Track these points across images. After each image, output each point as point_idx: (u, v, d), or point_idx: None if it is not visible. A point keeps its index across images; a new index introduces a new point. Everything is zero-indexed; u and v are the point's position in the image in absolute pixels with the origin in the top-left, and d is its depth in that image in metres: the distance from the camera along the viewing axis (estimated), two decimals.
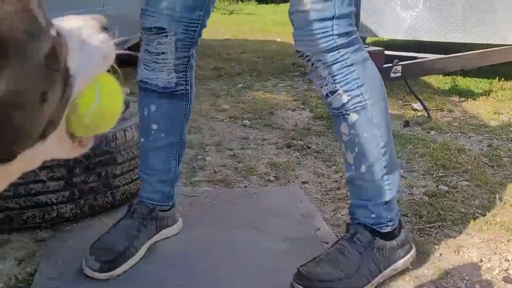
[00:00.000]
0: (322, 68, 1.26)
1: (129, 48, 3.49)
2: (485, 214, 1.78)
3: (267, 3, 13.46)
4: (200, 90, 3.60)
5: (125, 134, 1.64)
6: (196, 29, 1.38)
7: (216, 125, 2.76)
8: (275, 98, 3.43)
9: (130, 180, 1.67)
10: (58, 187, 1.52)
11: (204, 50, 5.43)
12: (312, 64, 1.27)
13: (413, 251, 1.42)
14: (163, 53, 1.37)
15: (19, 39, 0.39)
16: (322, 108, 3.02)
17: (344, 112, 1.29)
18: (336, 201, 1.85)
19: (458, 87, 3.81)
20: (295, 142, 2.50)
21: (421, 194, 1.94)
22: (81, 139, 0.52)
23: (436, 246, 1.56)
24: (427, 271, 1.43)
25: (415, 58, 3.25)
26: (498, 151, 2.44)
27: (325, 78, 1.27)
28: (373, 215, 1.36)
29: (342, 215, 1.74)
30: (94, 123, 0.50)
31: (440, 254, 1.52)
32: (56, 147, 0.48)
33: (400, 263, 1.39)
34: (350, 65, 1.26)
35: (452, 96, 3.54)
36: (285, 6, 1.32)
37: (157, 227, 1.48)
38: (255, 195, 1.86)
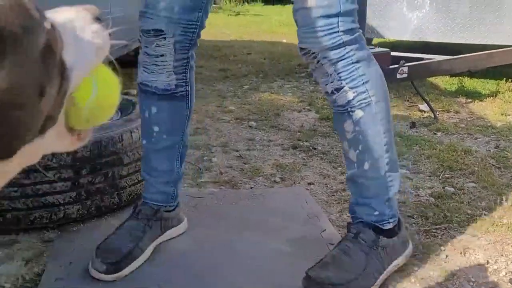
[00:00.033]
0: (328, 65, 1.26)
1: (136, 50, 3.50)
2: (492, 216, 1.77)
3: (273, 4, 13.47)
4: (206, 91, 3.61)
5: (132, 136, 1.64)
6: (195, 30, 1.39)
7: (222, 126, 2.77)
8: (281, 99, 3.43)
9: (136, 181, 1.68)
10: (65, 188, 1.53)
11: (210, 52, 5.44)
12: (318, 61, 1.27)
13: (410, 246, 1.44)
14: (162, 55, 1.37)
15: (14, 33, 0.39)
16: (328, 109, 3.02)
17: (349, 109, 1.29)
18: (342, 203, 1.85)
19: (465, 88, 3.80)
20: (301, 143, 2.50)
21: (427, 195, 1.94)
22: (80, 132, 0.52)
23: (442, 248, 1.56)
24: (433, 273, 1.43)
25: (422, 59, 3.25)
26: (505, 152, 2.42)
27: (330, 75, 1.27)
28: (376, 213, 1.36)
29: (348, 216, 1.73)
30: (93, 115, 0.50)
31: (446, 256, 1.52)
32: (55, 141, 0.48)
33: (401, 259, 1.40)
34: (355, 62, 1.26)
35: (458, 97, 3.53)
36: (291, 7, 1.32)
37: (162, 228, 1.48)
38: (261, 196, 1.87)
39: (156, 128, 1.44)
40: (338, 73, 1.26)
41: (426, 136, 2.67)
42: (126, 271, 1.34)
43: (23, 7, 0.40)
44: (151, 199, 1.49)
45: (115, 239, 1.39)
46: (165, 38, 1.35)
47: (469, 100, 3.46)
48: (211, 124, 2.79)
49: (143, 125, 1.47)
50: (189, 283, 1.33)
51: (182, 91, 1.43)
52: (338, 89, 1.28)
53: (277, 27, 8.17)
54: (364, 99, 1.28)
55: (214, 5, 13.27)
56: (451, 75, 3.99)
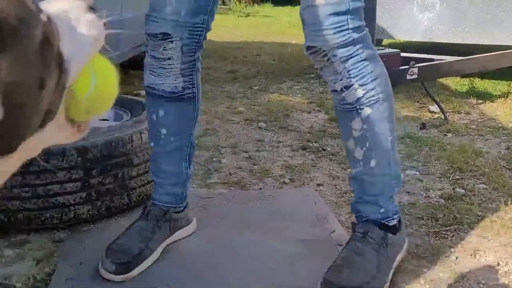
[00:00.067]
0: (338, 63, 1.27)
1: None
2: (503, 218, 1.76)
3: (283, 5, 13.47)
4: (215, 93, 3.62)
5: (141, 137, 1.65)
6: (202, 32, 1.39)
7: (231, 127, 2.77)
8: (291, 100, 3.43)
9: (146, 181, 1.69)
10: (76, 188, 1.55)
11: (220, 53, 5.45)
12: (328, 59, 1.27)
13: (407, 240, 1.47)
14: (169, 58, 1.38)
15: (12, 26, 0.38)
16: None
17: (358, 106, 1.30)
18: None
19: (476, 89, 3.77)
20: (311, 144, 2.50)
21: (437, 197, 1.93)
22: (80, 123, 0.52)
23: (452, 250, 1.55)
24: (443, 275, 1.42)
25: (432, 60, 3.23)
26: None
27: (340, 73, 1.28)
28: (382, 210, 1.37)
29: None
30: (92, 106, 0.50)
31: (456, 258, 1.51)
32: (55, 134, 0.48)
33: (401, 254, 1.42)
34: (364, 60, 1.27)
35: (469, 98, 3.50)
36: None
37: (171, 229, 1.49)
38: (270, 197, 1.87)
39: (163, 131, 1.45)
40: (348, 71, 1.27)
41: (436, 137, 2.66)
42: (135, 271, 1.35)
43: (20, 0, 0.40)
44: (160, 200, 1.49)
45: (125, 240, 1.40)
46: (172, 41, 1.36)
47: (480, 101, 3.43)
48: (221, 125, 2.79)
49: (151, 127, 1.48)
50: (198, 283, 1.34)
51: (189, 93, 1.44)
52: (347, 87, 1.29)
53: (286, 28, 8.16)
54: (373, 96, 1.29)
55: (224, 6, 13.33)
56: (462, 76, 3.97)
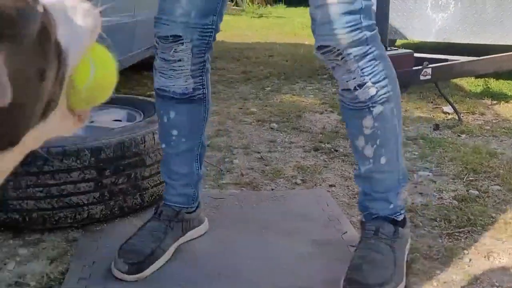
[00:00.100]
0: (352, 62, 1.27)
1: None
2: None
3: (296, 6, 13.45)
4: (228, 93, 3.63)
5: (154, 137, 1.66)
6: (211, 34, 1.40)
7: (244, 128, 2.78)
8: (303, 101, 3.43)
9: (158, 182, 1.70)
10: (89, 188, 1.56)
11: (232, 54, 5.46)
12: (342, 58, 1.27)
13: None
14: (179, 60, 1.38)
15: (10, 17, 0.38)
16: None
17: (370, 104, 1.31)
18: None
19: (491, 90, 3.73)
20: (323, 145, 2.50)
21: (451, 198, 1.91)
22: (80, 113, 0.51)
23: (466, 251, 1.54)
24: (456, 277, 1.41)
25: (446, 60, 3.21)
26: None
27: (353, 71, 1.28)
28: (391, 206, 1.39)
29: None
30: (92, 96, 0.50)
31: (470, 260, 1.50)
32: (57, 125, 0.47)
33: (409, 246, 1.45)
34: (376, 58, 1.29)
35: (484, 99, 3.47)
36: None
37: (183, 229, 1.50)
38: (281, 198, 1.87)
39: (175, 132, 1.46)
40: (361, 69, 1.28)
41: (450, 138, 2.63)
42: (148, 271, 1.36)
43: None
44: (172, 201, 1.50)
45: (137, 240, 1.41)
46: (183, 43, 1.36)
47: (495, 102, 3.40)
48: (233, 126, 2.80)
49: (162, 129, 1.49)
50: (210, 284, 1.34)
51: (200, 94, 1.45)
52: (361, 85, 1.29)
53: (299, 29, 8.15)
54: (385, 94, 1.31)
55: (237, 7, 13.34)
56: (477, 77, 3.93)
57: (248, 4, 13.27)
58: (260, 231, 1.61)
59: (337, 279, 1.37)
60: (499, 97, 3.51)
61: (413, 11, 4.28)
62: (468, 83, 3.94)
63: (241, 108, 3.20)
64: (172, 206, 1.49)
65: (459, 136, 2.69)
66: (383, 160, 1.35)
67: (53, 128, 0.47)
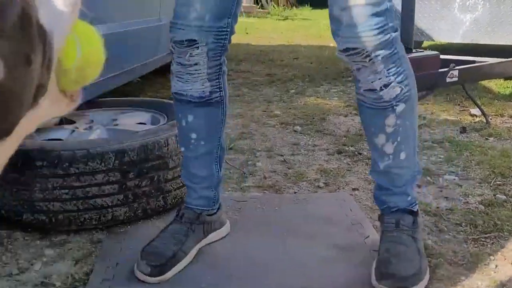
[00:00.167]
0: (379, 63, 1.28)
1: None
2: None
3: (321, 8, 13.40)
4: (253, 96, 3.64)
5: (177, 140, 1.68)
6: (226, 36, 1.40)
7: (267, 130, 2.78)
8: (327, 104, 3.42)
9: (181, 184, 1.71)
10: (113, 190, 1.58)
11: (257, 57, 5.48)
12: (370, 60, 1.28)
13: None
14: (196, 64, 1.39)
15: None
16: None
17: (394, 103, 1.33)
18: None
19: None
20: (346, 148, 2.48)
21: (477, 203, 1.88)
22: (72, 93, 0.50)
23: (492, 257, 1.51)
24: (481, 283, 1.38)
25: (473, 62, 3.15)
26: None
27: (379, 72, 1.30)
28: (409, 198, 1.44)
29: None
30: (82, 75, 0.49)
31: (496, 266, 1.46)
32: (50, 108, 0.47)
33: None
34: (400, 57, 1.31)
35: None
36: None
37: (205, 231, 1.51)
38: (304, 201, 1.86)
39: (193, 135, 1.47)
40: (387, 70, 1.30)
41: (477, 142, 2.59)
42: (170, 273, 1.37)
43: None
44: (193, 203, 1.51)
45: (159, 242, 1.42)
46: (198, 47, 1.37)
47: None
48: (257, 129, 2.80)
49: (181, 133, 1.50)
50: (231, 286, 1.35)
51: (217, 97, 1.46)
52: (386, 85, 1.31)
53: (325, 31, 8.11)
54: (407, 92, 1.33)
55: (262, 10, 13.36)
56: (505, 78, 3.85)
57: (273, 6, 13.28)
58: (282, 234, 1.61)
59: (359, 283, 1.36)
60: None
61: (440, 12, 4.22)
62: (497, 85, 3.86)
63: (265, 111, 3.20)
64: (193, 208, 1.51)
65: (486, 139, 2.64)
66: (402, 156, 1.39)
67: (46, 112, 0.46)
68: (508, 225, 1.69)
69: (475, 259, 1.49)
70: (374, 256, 1.40)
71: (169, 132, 1.70)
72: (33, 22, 0.42)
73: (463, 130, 2.76)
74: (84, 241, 1.58)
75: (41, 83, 0.43)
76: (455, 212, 1.80)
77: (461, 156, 2.37)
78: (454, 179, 2.10)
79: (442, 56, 2.97)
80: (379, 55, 1.27)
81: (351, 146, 2.50)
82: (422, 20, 4.17)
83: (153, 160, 1.63)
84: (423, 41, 4.49)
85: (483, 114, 2.92)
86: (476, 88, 3.66)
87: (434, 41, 4.61)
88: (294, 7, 14.37)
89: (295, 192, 1.98)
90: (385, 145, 1.38)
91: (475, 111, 3.07)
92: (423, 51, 3.01)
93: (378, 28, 1.25)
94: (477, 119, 3.00)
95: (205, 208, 1.52)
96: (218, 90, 1.45)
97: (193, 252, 1.46)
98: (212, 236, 1.54)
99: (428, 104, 3.33)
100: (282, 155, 2.38)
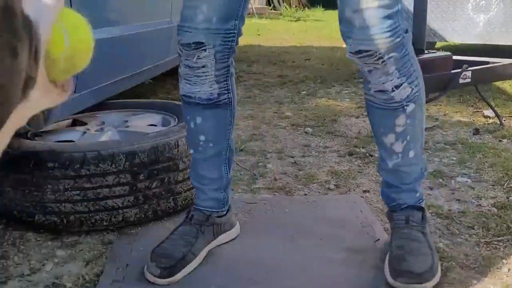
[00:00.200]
0: (391, 64, 1.29)
1: None
2: None
3: (333, 9, 13.39)
4: (264, 97, 3.63)
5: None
6: (234, 38, 1.40)
7: (278, 132, 2.78)
8: (339, 105, 3.40)
9: (191, 186, 1.71)
10: (124, 192, 1.59)
11: (269, 58, 5.47)
12: (383, 62, 1.29)
13: None
14: (203, 66, 1.40)
15: None
16: None
17: (404, 104, 1.35)
18: None
19: None
20: (358, 150, 2.47)
21: (490, 205, 1.86)
22: (63, 83, 0.49)
23: (504, 261, 1.49)
24: (494, 287, 1.37)
25: (487, 62, 3.12)
26: None
27: (391, 73, 1.31)
28: (417, 194, 1.47)
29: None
30: (71, 64, 0.48)
31: (508, 270, 1.45)
32: (41, 100, 0.46)
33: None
34: (410, 58, 1.33)
35: None
36: None
37: (214, 233, 1.51)
38: (314, 203, 1.86)
39: (202, 137, 1.47)
40: (399, 71, 1.31)
41: (490, 143, 2.56)
42: (179, 275, 1.37)
43: None
44: (202, 205, 1.52)
45: (169, 244, 1.43)
46: (205, 49, 1.37)
47: None
48: (268, 130, 2.80)
49: (189, 135, 1.51)
50: None
51: (225, 99, 1.46)
52: (397, 86, 1.32)
53: (337, 33, 8.05)
54: (417, 91, 1.35)
55: (274, 11, 13.35)
56: None
57: (285, 7, 13.27)
58: (292, 236, 1.61)
59: (368, 286, 1.35)
60: None
61: (453, 12, 4.19)
62: (511, 86, 3.82)
63: (276, 112, 3.20)
64: (203, 210, 1.51)
65: (500, 141, 2.61)
66: (411, 154, 1.41)
67: (36, 104, 0.45)
68: None
69: (487, 262, 1.47)
70: (385, 259, 1.40)
71: (179, 134, 1.70)
72: (17, 13, 0.40)
73: (476, 131, 2.73)
74: (95, 242, 1.59)
75: (30, 75, 0.42)
76: (467, 214, 1.78)
77: (474, 158, 2.35)
78: (467, 181, 2.08)
79: (454, 57, 2.95)
80: (391, 57, 1.28)
81: (362, 148, 2.49)
82: (435, 20, 4.14)
83: (164, 162, 1.64)
84: (436, 42, 4.45)
85: (497, 115, 2.89)
86: (490, 89, 3.62)
87: (447, 42, 4.57)
88: (306, 8, 14.35)
89: (305, 194, 1.97)
90: (394, 144, 1.39)
91: (488, 112, 3.04)
92: (435, 52, 2.99)
93: (390, 31, 1.26)
94: (490, 121, 2.97)
95: (214, 210, 1.52)
96: (226, 92, 1.45)
97: (202, 253, 1.46)
98: (222, 238, 1.54)
99: (441, 105, 3.31)
100: (292, 157, 2.38)
